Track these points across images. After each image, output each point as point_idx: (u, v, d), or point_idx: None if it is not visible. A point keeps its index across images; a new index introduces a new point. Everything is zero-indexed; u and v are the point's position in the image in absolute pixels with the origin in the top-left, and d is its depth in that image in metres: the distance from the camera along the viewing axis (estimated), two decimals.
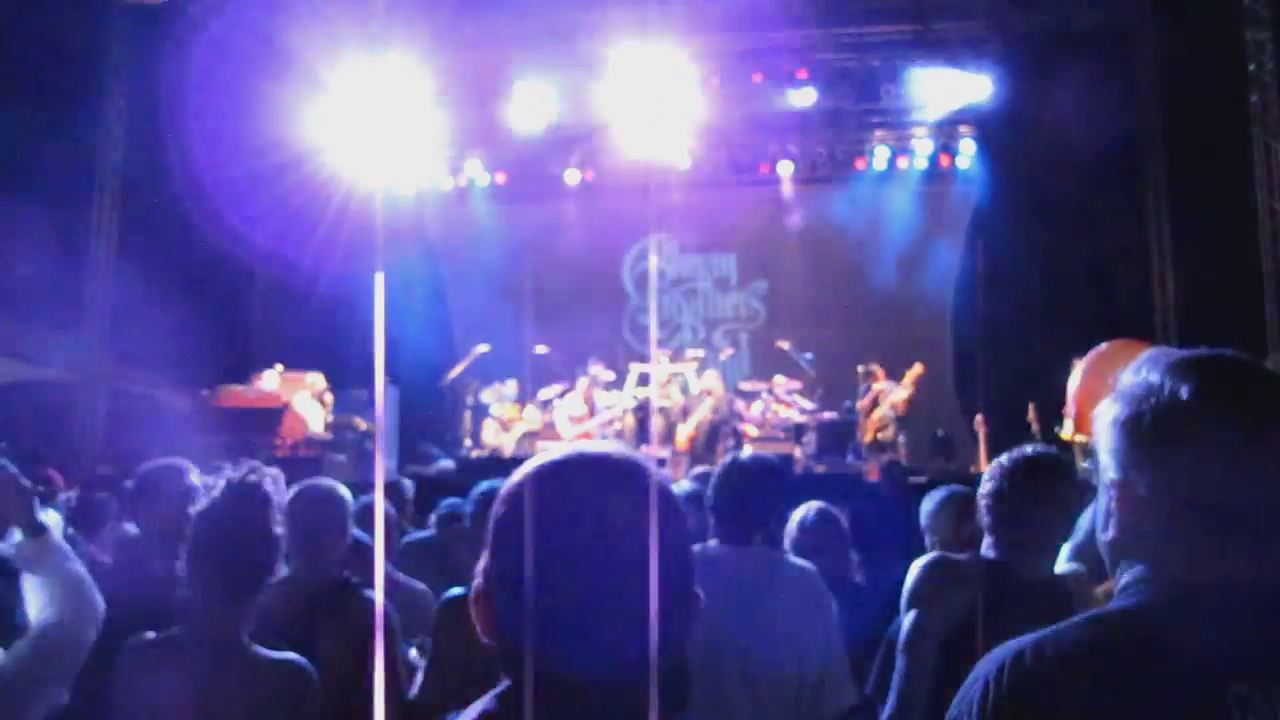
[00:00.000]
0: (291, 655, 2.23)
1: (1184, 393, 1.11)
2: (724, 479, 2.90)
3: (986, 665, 1.14)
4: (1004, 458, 2.58)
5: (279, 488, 2.35)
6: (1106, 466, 1.17)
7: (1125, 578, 1.16)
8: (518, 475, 1.06)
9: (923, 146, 14.26)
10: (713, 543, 2.83)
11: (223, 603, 2.20)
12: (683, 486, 4.17)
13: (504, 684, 1.04)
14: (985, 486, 2.57)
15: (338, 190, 12.68)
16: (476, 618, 1.04)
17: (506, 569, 1.01)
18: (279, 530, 2.28)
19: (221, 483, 2.30)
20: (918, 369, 11.23)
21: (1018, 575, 2.42)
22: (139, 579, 2.75)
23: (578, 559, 0.98)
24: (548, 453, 1.07)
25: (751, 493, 2.86)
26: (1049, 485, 2.49)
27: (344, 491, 3.05)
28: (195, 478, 3.03)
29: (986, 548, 2.53)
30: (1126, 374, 1.18)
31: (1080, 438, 7.13)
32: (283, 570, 2.31)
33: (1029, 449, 2.60)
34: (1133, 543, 1.16)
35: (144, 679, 2.17)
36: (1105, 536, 1.19)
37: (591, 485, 1.02)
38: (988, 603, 2.21)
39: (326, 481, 3.11)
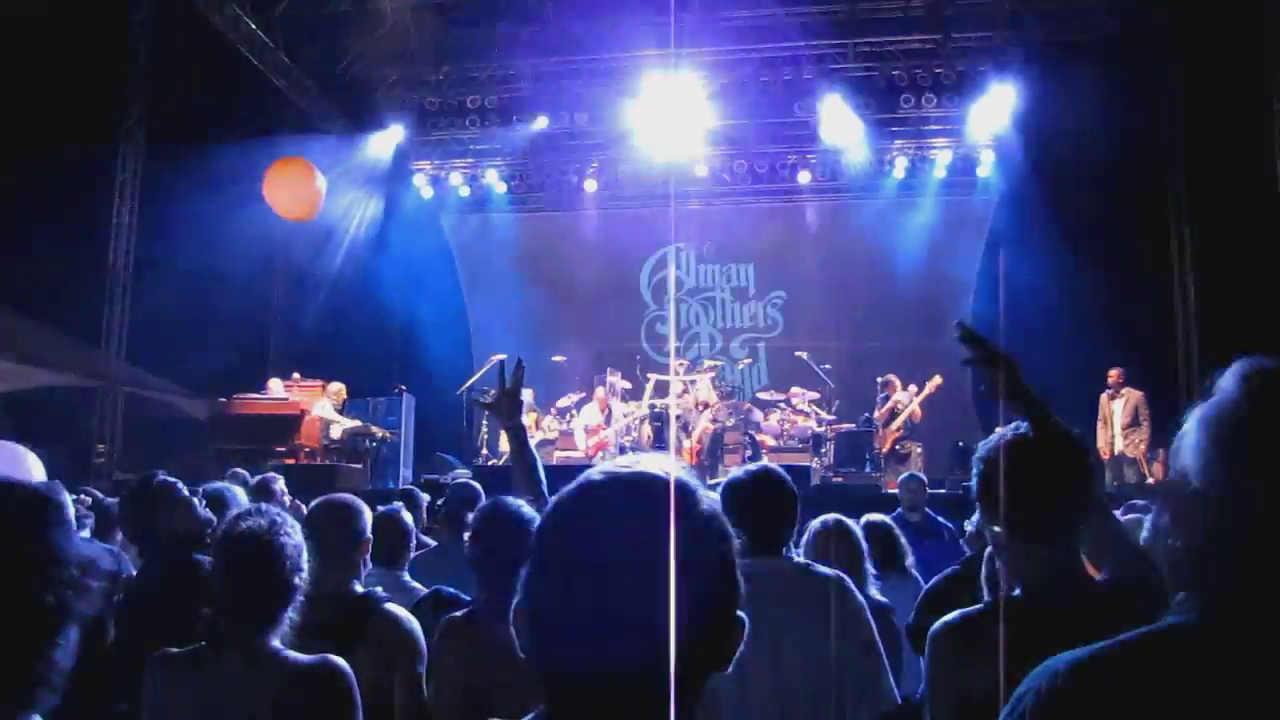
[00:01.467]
0: (325, 656, 2.25)
1: (1262, 406, 1.09)
2: (733, 490, 2.85)
3: (1038, 675, 1.12)
4: (985, 445, 2.02)
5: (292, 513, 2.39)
6: (1187, 471, 1.14)
7: (1184, 591, 1.13)
8: (560, 493, 1.05)
9: (942, 156, 14.22)
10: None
11: (251, 619, 2.24)
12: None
13: (539, 708, 1.03)
14: (976, 479, 2.02)
15: (356, 200, 12.77)
16: (517, 633, 1.03)
17: (542, 587, 1.01)
18: (300, 551, 2.30)
19: (243, 508, 2.36)
20: (937, 380, 11.15)
21: (1048, 610, 1.83)
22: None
23: (610, 581, 0.97)
24: (590, 471, 1.05)
25: (767, 503, 2.81)
26: (1050, 469, 1.91)
27: (362, 504, 3.07)
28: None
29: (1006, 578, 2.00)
30: (1225, 379, 1.14)
31: None
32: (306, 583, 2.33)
33: (1017, 425, 1.98)
34: (1198, 554, 1.13)
35: (175, 691, 2.21)
36: (1172, 544, 1.16)
37: (627, 507, 1.00)
38: (1019, 659, 1.77)
39: (345, 496, 3.13)
